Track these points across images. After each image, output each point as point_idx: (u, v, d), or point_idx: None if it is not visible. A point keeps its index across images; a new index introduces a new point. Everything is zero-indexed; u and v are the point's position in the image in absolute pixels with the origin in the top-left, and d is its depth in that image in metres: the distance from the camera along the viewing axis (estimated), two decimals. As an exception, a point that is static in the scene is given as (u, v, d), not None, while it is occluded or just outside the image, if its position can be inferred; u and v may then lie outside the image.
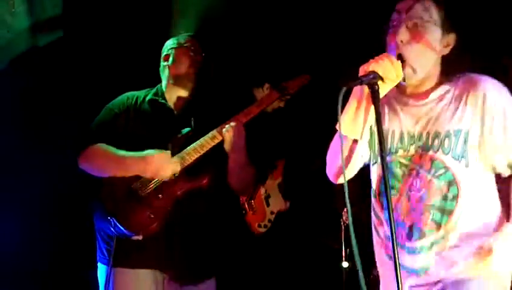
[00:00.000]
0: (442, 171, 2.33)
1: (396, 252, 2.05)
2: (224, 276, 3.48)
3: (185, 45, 3.32)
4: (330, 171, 2.51)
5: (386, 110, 2.46)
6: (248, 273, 4.65)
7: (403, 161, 2.40)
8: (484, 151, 2.31)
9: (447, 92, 2.38)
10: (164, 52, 3.38)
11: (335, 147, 2.44)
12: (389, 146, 2.43)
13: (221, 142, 3.18)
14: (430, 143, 2.35)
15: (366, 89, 2.22)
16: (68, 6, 4.15)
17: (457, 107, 2.33)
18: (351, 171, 2.49)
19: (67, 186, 3.95)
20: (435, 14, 2.34)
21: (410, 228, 2.36)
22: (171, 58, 3.33)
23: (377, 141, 2.41)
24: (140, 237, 3.04)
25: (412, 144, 2.39)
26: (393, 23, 2.36)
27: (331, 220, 4.45)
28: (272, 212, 4.39)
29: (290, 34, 4.63)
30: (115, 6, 4.19)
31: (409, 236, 2.36)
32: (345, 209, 4.37)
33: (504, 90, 2.32)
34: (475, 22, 2.55)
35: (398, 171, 2.40)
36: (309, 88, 3.37)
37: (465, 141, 2.31)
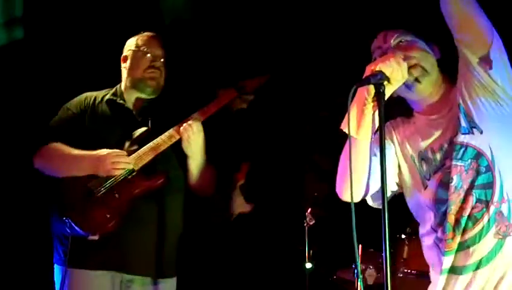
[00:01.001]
0: (462, 150, 2.26)
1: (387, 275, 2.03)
2: (186, 276, 3.46)
3: (142, 48, 3.27)
4: (340, 185, 2.37)
5: (416, 131, 2.42)
6: (210, 272, 4.63)
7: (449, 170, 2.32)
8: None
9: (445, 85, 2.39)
10: (124, 52, 3.34)
11: (345, 153, 2.35)
12: (434, 163, 2.35)
13: (180, 141, 3.13)
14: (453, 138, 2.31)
15: (371, 89, 2.19)
16: (29, 7, 4.09)
17: (449, 94, 2.35)
18: (373, 184, 2.37)
19: (23, 186, 3.89)
20: (404, 31, 2.39)
21: (457, 222, 2.24)
22: (128, 61, 3.30)
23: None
24: (96, 237, 3.00)
25: (446, 158, 2.32)
26: (379, 51, 2.37)
27: (295, 221, 4.45)
28: (232, 215, 4.36)
29: (256, 34, 4.62)
30: (75, 6, 4.15)
31: (457, 231, 2.24)
32: (309, 211, 4.38)
33: None
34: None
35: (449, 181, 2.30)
36: (272, 89, 3.35)
37: (465, 113, 2.28)
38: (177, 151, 3.16)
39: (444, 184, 2.29)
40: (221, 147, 3.33)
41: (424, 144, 2.39)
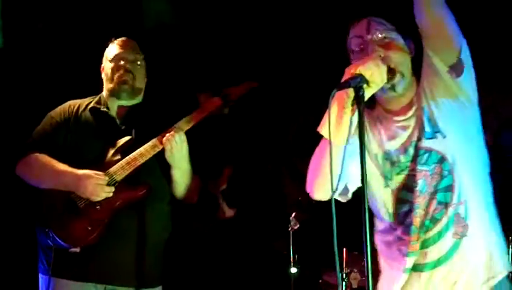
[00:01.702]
0: (426, 155, 2.31)
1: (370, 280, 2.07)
2: (171, 284, 3.44)
3: (113, 57, 3.23)
4: (311, 184, 2.41)
5: (383, 131, 2.43)
6: (195, 280, 4.62)
7: (413, 172, 2.36)
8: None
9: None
10: (103, 62, 3.31)
11: (318, 155, 2.37)
12: (397, 164, 2.38)
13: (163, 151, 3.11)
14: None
15: (350, 92, 2.18)
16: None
17: (413, 98, 2.37)
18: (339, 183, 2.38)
19: (9, 195, 3.87)
20: (388, 24, 2.37)
21: (422, 224, 2.32)
22: (104, 72, 3.28)
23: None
24: (77, 250, 2.99)
25: (409, 162, 2.36)
26: (360, 48, 2.36)
27: (280, 225, 4.45)
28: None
29: (237, 40, 4.63)
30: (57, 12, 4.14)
31: (422, 233, 2.32)
32: (293, 215, 4.38)
33: None
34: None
35: (413, 184, 2.35)
36: (254, 94, 3.35)
37: (428, 117, 2.31)
38: (160, 161, 3.13)
39: (408, 187, 2.35)
40: (203, 152, 3.31)
41: (389, 144, 2.40)
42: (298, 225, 4.34)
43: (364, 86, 2.15)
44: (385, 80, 2.22)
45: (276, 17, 4.64)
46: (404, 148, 2.37)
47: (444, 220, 2.30)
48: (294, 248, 4.36)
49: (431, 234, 2.31)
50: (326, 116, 2.20)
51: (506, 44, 4.30)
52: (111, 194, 3.01)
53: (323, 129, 2.27)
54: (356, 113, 2.15)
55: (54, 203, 3.04)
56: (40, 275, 3.13)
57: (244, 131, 4.74)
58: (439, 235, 2.31)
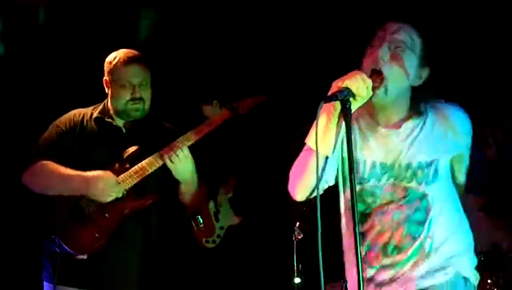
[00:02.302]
0: (417, 197, 2.39)
1: (360, 269, 2.11)
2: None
3: (120, 81, 3.18)
4: (293, 187, 2.47)
5: (358, 137, 2.46)
6: (198, 287, 4.61)
7: (374, 190, 2.42)
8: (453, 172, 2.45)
9: (418, 124, 2.42)
10: (104, 74, 3.26)
11: (302, 162, 2.42)
12: (360, 175, 2.43)
13: None
14: (403, 174, 2.39)
15: (337, 105, 2.22)
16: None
17: (427, 138, 2.39)
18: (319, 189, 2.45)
19: (13, 203, 3.88)
20: (417, 43, 2.39)
21: (385, 246, 2.41)
22: (109, 90, 3.24)
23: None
24: (84, 257, 3.01)
25: (384, 174, 2.41)
26: (377, 37, 2.40)
27: (283, 235, 4.44)
28: (221, 228, 4.36)
29: (240, 51, 4.64)
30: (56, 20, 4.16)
31: (385, 253, 2.41)
32: (297, 225, 4.37)
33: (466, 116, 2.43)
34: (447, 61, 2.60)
35: (369, 199, 2.42)
36: (260, 105, 3.36)
37: (436, 170, 2.38)
38: (167, 170, 3.14)
39: (360, 197, 2.42)
40: (209, 161, 3.32)
41: (360, 153, 2.44)
42: (302, 235, 4.33)
43: (351, 99, 2.18)
44: (370, 94, 2.25)
45: (280, 29, 4.65)
46: (372, 164, 2.43)
47: (409, 252, 2.39)
48: (297, 257, 4.35)
49: (394, 260, 2.41)
50: (313, 127, 2.26)
51: (509, 56, 4.31)
52: (120, 194, 3.03)
53: (309, 140, 2.34)
54: (343, 125, 2.20)
55: (61, 211, 3.05)
56: (45, 283, 3.14)
57: (250, 140, 4.74)
58: (402, 264, 2.40)
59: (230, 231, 4.60)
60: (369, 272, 2.43)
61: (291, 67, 4.70)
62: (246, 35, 4.64)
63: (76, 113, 3.28)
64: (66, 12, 4.34)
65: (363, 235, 2.43)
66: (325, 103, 2.15)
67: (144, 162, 3.08)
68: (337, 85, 2.21)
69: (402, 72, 2.35)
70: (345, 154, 2.38)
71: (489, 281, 4.05)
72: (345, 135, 2.23)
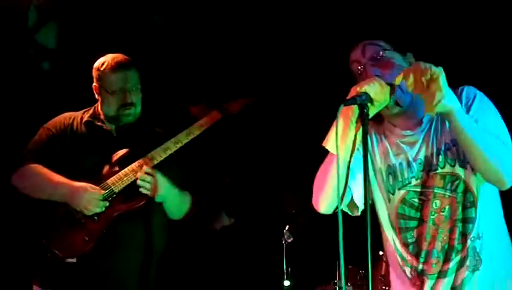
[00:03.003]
0: (456, 183, 2.37)
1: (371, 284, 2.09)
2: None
3: (111, 88, 3.15)
4: (317, 198, 2.44)
5: (388, 145, 2.48)
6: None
7: (417, 189, 2.42)
8: None
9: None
10: (93, 80, 3.25)
11: (323, 170, 2.41)
12: (400, 179, 2.44)
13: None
14: (435, 162, 2.39)
15: (355, 109, 2.24)
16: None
17: (444, 120, 2.37)
18: (345, 199, 2.43)
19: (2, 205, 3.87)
20: (385, 45, 2.42)
21: (444, 250, 2.39)
22: (99, 96, 3.23)
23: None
24: (74, 260, 3.00)
25: (421, 170, 2.42)
26: (359, 72, 2.41)
27: (274, 238, 4.45)
28: (214, 230, 4.36)
29: (229, 52, 4.64)
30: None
31: (446, 259, 2.38)
32: (287, 228, 4.39)
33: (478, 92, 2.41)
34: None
35: (416, 200, 2.42)
36: (254, 106, 3.37)
37: (454, 149, 2.36)
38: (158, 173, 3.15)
39: (407, 201, 2.42)
40: (201, 163, 3.33)
41: (394, 158, 2.46)
42: (292, 238, 4.34)
43: (369, 104, 2.20)
44: (388, 100, 2.27)
45: (269, 31, 4.66)
46: (408, 164, 2.43)
47: (464, 252, 2.36)
48: (287, 261, 4.36)
49: (452, 264, 2.37)
50: (331, 131, 2.30)
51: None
52: (103, 209, 3.03)
53: (328, 144, 2.33)
54: (360, 130, 2.21)
55: (51, 214, 3.05)
56: (35, 287, 3.13)
57: (242, 143, 4.75)
58: (458, 266, 2.37)
59: (220, 235, 4.61)
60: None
61: (285, 68, 4.72)
62: (235, 37, 4.65)
63: (66, 116, 3.28)
64: (56, 15, 4.33)
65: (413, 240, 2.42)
66: (344, 106, 2.17)
67: (133, 165, 3.09)
68: (355, 90, 2.22)
69: (399, 70, 2.34)
70: (378, 166, 2.43)
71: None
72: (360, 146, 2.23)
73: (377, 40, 2.44)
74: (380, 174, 2.48)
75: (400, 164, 2.45)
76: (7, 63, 4.20)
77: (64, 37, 4.40)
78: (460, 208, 2.37)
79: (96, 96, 3.26)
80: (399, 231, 2.46)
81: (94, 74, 3.23)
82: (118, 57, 3.21)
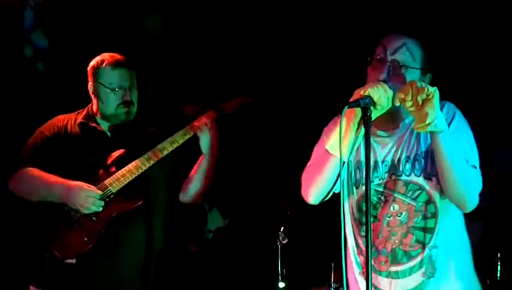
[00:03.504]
0: (417, 192, 2.44)
1: (370, 277, 2.15)
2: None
3: (109, 84, 3.17)
4: (307, 190, 2.51)
5: (361, 141, 2.48)
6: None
7: (379, 188, 2.49)
8: None
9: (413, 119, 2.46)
10: (88, 79, 3.26)
11: (318, 165, 2.46)
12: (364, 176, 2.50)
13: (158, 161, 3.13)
14: (401, 168, 2.45)
15: (357, 112, 2.28)
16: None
17: (399, 122, 2.47)
18: (329, 194, 2.51)
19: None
20: (417, 56, 2.44)
21: (394, 252, 2.46)
22: (96, 95, 3.23)
23: (349, 168, 2.53)
24: (73, 261, 3.00)
25: (386, 172, 2.48)
26: (377, 58, 2.44)
27: (268, 239, 4.46)
28: (209, 231, 4.36)
29: (224, 53, 4.65)
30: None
31: (394, 260, 2.46)
32: (282, 229, 4.39)
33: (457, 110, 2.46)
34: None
35: (375, 199, 2.48)
36: (251, 106, 3.38)
37: (432, 160, 2.40)
38: (156, 173, 3.17)
39: (375, 193, 2.49)
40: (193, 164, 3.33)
41: (363, 155, 2.48)
42: (287, 240, 4.35)
43: (372, 107, 2.24)
44: (390, 105, 2.30)
45: (264, 32, 4.67)
46: (375, 163, 2.49)
47: (418, 259, 2.44)
48: (282, 262, 4.37)
49: (402, 267, 2.46)
50: (333, 132, 2.36)
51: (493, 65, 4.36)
52: (100, 209, 3.03)
53: (328, 144, 2.39)
54: (361, 132, 2.26)
55: (49, 215, 3.05)
56: (32, 288, 3.14)
57: (240, 143, 4.76)
58: (410, 271, 2.45)
59: (216, 235, 4.61)
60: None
61: (276, 69, 4.73)
62: (231, 37, 4.66)
63: (60, 118, 3.28)
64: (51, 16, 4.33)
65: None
66: (348, 108, 2.20)
67: (130, 165, 3.09)
68: (359, 93, 2.26)
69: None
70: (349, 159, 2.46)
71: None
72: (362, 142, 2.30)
73: (416, 46, 2.44)
74: (350, 166, 2.53)
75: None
76: (2, 64, 4.19)
77: (58, 38, 4.40)
78: (419, 216, 2.44)
79: (92, 96, 3.26)
80: (356, 222, 2.53)
81: (91, 72, 3.23)
82: (116, 55, 3.23)
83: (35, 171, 3.11)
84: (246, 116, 3.37)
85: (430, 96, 2.19)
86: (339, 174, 2.37)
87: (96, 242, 3.01)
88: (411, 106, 2.21)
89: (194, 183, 3.25)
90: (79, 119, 3.25)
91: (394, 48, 2.43)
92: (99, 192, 3.04)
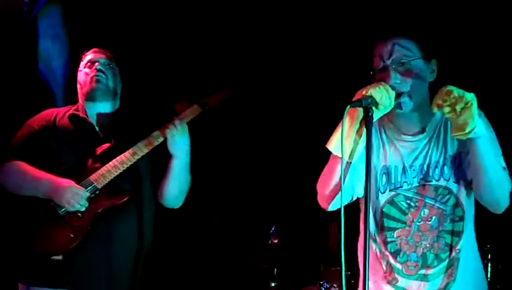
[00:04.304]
0: (447, 197, 2.46)
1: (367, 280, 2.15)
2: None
3: (84, 64, 3.27)
4: (322, 197, 2.52)
5: (387, 147, 2.54)
6: None
7: (408, 194, 2.50)
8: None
9: (439, 122, 2.50)
10: (78, 76, 3.32)
11: (327, 171, 2.48)
12: (393, 181, 2.52)
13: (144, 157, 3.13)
14: (431, 173, 2.47)
15: (359, 112, 2.28)
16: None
17: (446, 134, 2.47)
18: (345, 198, 2.48)
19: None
20: (414, 49, 2.45)
21: (424, 256, 2.48)
22: (81, 78, 3.28)
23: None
24: (60, 257, 3.00)
25: (414, 177, 2.49)
26: (379, 69, 2.45)
27: (260, 239, 4.46)
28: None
29: (212, 49, 4.65)
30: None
31: (425, 264, 2.48)
32: (273, 229, 4.39)
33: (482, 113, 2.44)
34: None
35: (404, 204, 2.50)
36: (238, 104, 3.38)
37: (460, 164, 2.44)
38: (142, 168, 3.16)
39: (395, 203, 2.51)
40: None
41: (390, 159, 2.53)
42: (278, 239, 4.35)
43: (374, 108, 2.24)
44: (392, 105, 2.32)
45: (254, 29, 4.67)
46: (403, 169, 2.51)
47: (446, 262, 2.47)
48: (273, 262, 4.37)
49: (431, 271, 2.48)
50: (335, 133, 2.37)
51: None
52: (83, 209, 3.01)
53: (330, 145, 2.39)
54: (364, 132, 2.26)
55: (36, 211, 3.04)
56: (20, 285, 3.12)
57: (229, 141, 4.76)
58: (439, 273, 2.48)
59: (206, 235, 4.60)
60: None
61: (271, 68, 4.73)
62: (224, 35, 4.66)
63: (49, 112, 3.29)
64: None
65: (397, 243, 2.51)
66: (350, 107, 2.21)
67: (116, 160, 3.08)
68: (361, 93, 2.27)
69: (418, 81, 2.42)
70: (374, 163, 2.48)
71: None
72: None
73: (408, 40, 2.46)
74: (374, 171, 2.53)
75: (396, 167, 2.52)
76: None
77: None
78: (448, 220, 2.46)
79: (78, 86, 3.30)
80: (381, 228, 2.53)
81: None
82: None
83: (22, 165, 3.11)
84: (236, 114, 3.37)
85: (468, 105, 2.19)
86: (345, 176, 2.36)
87: (84, 238, 3.01)
88: (449, 113, 2.21)
89: (166, 186, 3.18)
90: (69, 112, 3.27)
91: (388, 51, 2.44)
92: (87, 194, 3.03)
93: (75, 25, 4.39)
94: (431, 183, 2.47)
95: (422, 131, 2.50)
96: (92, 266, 3.06)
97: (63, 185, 3.01)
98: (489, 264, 4.10)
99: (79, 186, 3.03)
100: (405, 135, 2.51)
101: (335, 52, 4.52)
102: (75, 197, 2.99)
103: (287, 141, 4.75)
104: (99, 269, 3.07)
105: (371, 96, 2.23)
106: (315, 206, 2.65)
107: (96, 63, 3.25)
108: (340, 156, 2.30)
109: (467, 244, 2.49)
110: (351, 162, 2.40)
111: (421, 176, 2.48)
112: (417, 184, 2.48)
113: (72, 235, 2.99)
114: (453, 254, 2.47)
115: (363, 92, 2.25)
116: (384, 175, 2.53)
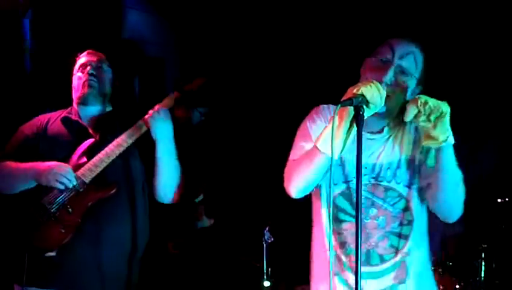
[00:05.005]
0: (396, 199, 2.47)
1: (360, 275, 2.15)
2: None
3: (77, 68, 3.30)
4: (291, 183, 2.48)
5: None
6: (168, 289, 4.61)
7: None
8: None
9: (399, 126, 2.51)
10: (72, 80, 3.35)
11: (306, 161, 2.44)
12: (346, 173, 2.51)
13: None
14: (382, 174, 2.47)
15: (350, 110, 2.26)
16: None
17: (403, 138, 2.49)
18: (312, 187, 2.52)
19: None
20: (420, 66, 2.46)
21: (368, 254, 2.47)
22: (75, 82, 3.32)
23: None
24: (53, 254, 3.02)
25: (365, 175, 2.47)
26: (382, 58, 2.45)
27: (253, 238, 4.45)
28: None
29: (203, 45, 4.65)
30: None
31: (368, 261, 2.47)
32: (267, 228, 4.39)
33: None
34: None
35: (354, 199, 2.45)
36: (231, 105, 3.38)
37: (414, 169, 2.45)
38: (132, 167, 3.19)
39: (346, 195, 2.50)
40: (181, 163, 3.32)
41: (346, 152, 2.46)
42: (272, 239, 4.34)
43: (364, 106, 2.23)
44: (383, 104, 2.30)
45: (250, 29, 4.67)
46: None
47: (391, 263, 2.48)
48: (267, 261, 4.37)
49: (374, 269, 2.48)
50: (325, 130, 2.34)
51: (482, 89, 4.39)
52: (74, 182, 3.03)
53: (319, 142, 2.36)
54: (353, 130, 2.26)
55: (26, 209, 3.07)
56: (16, 286, 3.15)
57: (224, 140, 4.76)
58: (381, 273, 2.48)
59: (200, 234, 4.60)
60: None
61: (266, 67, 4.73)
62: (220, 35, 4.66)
63: (41, 117, 3.33)
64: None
65: (344, 236, 2.50)
66: (341, 106, 2.20)
67: (101, 153, 3.11)
68: (352, 91, 2.24)
69: (402, 97, 2.43)
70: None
71: (457, 286, 4.11)
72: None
73: (421, 57, 2.47)
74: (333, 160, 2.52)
75: (350, 161, 2.50)
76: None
77: (44, 37, 4.40)
78: (396, 222, 2.46)
79: (72, 90, 3.32)
80: (334, 219, 2.52)
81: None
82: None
83: (7, 163, 3.16)
84: (233, 114, 3.37)
85: (443, 115, 2.21)
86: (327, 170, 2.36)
87: (75, 233, 3.02)
88: (423, 122, 2.24)
89: (156, 177, 3.20)
90: (62, 115, 3.30)
91: (403, 53, 2.44)
92: (70, 167, 3.05)
93: (70, 26, 4.39)
94: (381, 183, 2.47)
95: (381, 131, 2.51)
96: (83, 266, 3.07)
97: (48, 165, 3.05)
98: (483, 263, 4.10)
99: (62, 163, 3.06)
100: (364, 132, 2.46)
101: (334, 52, 4.52)
102: (61, 172, 3.02)
103: (281, 141, 4.76)
104: (91, 269, 3.09)
105: (362, 95, 2.21)
106: (310, 205, 2.65)
107: (88, 67, 3.28)
108: (327, 152, 2.30)
109: (416, 249, 2.48)
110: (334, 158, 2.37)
111: (373, 175, 2.48)
112: (368, 182, 2.48)
113: (63, 231, 3.02)
114: (399, 256, 2.47)
115: (354, 91, 2.23)
116: (339, 166, 2.51)
